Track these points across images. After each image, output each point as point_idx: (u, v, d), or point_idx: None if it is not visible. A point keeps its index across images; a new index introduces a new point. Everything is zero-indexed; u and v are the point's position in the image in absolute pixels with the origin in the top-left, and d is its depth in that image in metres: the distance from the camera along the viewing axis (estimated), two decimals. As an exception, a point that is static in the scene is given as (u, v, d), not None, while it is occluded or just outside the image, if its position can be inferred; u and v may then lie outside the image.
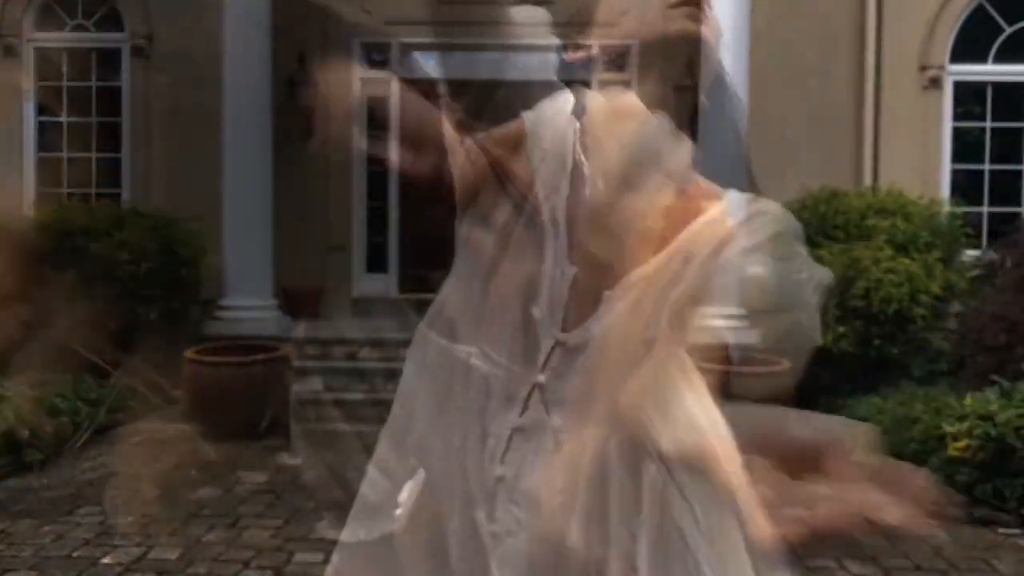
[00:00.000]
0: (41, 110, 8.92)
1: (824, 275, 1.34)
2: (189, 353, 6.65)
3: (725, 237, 1.30)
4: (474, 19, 8.89)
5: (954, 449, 5.02)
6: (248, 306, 7.74)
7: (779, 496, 1.23)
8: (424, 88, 1.47)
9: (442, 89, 1.68)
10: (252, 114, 7.80)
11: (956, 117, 8.54)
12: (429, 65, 7.55)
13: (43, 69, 8.90)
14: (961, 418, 5.12)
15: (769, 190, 1.22)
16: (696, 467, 1.27)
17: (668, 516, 1.29)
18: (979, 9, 8.43)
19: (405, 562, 1.46)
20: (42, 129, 8.93)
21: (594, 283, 1.36)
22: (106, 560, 4.23)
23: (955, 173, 8.53)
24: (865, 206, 7.08)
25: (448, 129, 1.40)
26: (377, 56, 9.26)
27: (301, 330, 8.01)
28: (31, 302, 6.38)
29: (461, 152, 1.40)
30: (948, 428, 5.11)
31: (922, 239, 6.83)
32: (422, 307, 1.49)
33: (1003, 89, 8.52)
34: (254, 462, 5.93)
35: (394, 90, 1.41)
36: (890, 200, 7.16)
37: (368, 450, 1.52)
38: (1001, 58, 8.47)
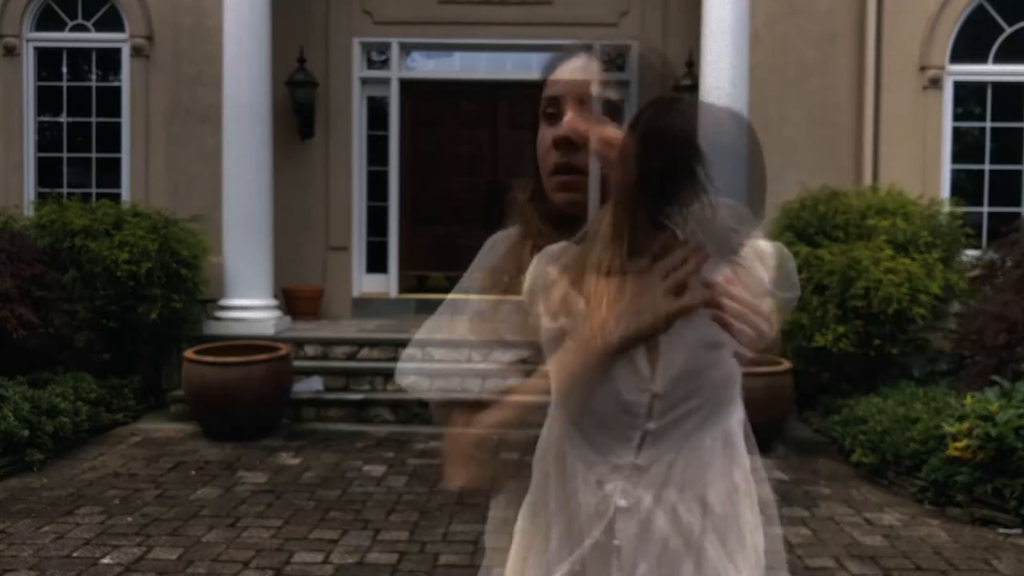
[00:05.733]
0: (41, 110, 8.92)
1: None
2: (189, 353, 6.65)
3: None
4: (474, 19, 8.91)
5: (954, 449, 5.02)
6: (248, 306, 7.75)
7: None
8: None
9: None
10: (252, 114, 7.79)
11: (956, 117, 8.54)
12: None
13: (43, 69, 8.90)
14: (961, 418, 5.12)
15: (769, 190, 1.21)
16: None
17: None
18: (979, 9, 8.42)
19: None
20: (42, 129, 8.93)
21: None
22: (106, 560, 4.23)
23: (955, 173, 8.54)
24: (865, 206, 7.07)
25: None
26: (377, 56, 9.28)
27: (301, 330, 8.01)
28: (31, 301, 6.38)
29: None
30: (948, 428, 5.11)
31: (922, 239, 6.82)
32: (422, 307, 1.43)
33: (1003, 89, 8.52)
34: (254, 462, 5.94)
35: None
36: (890, 200, 7.15)
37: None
38: (1001, 58, 8.46)
